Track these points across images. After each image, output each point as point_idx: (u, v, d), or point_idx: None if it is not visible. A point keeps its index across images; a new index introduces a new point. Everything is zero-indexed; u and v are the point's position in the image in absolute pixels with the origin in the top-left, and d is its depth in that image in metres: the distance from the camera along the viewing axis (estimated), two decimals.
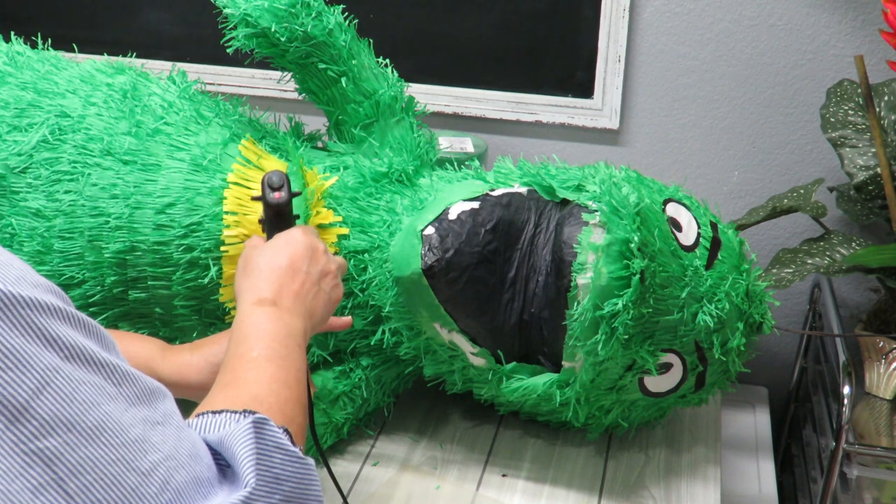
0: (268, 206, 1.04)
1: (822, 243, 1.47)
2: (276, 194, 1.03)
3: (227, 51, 1.26)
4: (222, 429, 0.71)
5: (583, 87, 1.68)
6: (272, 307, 0.93)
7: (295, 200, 1.21)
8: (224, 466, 0.68)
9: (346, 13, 1.30)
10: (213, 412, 0.74)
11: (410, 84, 1.37)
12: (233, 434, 0.69)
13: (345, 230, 1.24)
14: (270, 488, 0.67)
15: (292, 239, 1.01)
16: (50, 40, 1.43)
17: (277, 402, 0.80)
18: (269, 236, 1.04)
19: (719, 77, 1.64)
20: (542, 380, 1.19)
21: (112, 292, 1.23)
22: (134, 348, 1.07)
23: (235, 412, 0.74)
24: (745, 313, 1.22)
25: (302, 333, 0.94)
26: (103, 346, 0.62)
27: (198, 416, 0.75)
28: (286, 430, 0.74)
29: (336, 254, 1.23)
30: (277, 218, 1.04)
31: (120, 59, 1.39)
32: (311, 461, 0.71)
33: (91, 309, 1.24)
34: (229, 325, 1.26)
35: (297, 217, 1.08)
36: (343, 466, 1.27)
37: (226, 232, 1.20)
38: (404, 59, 1.47)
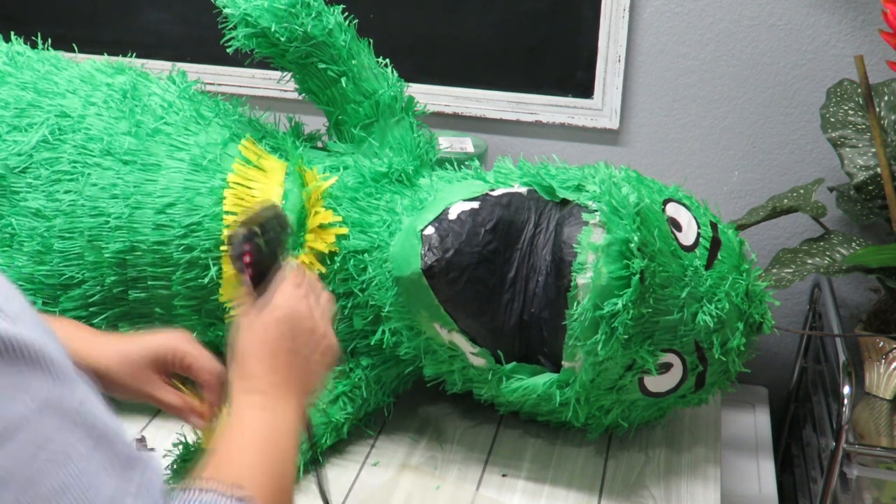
0: (247, 266, 0.92)
1: (822, 243, 1.47)
2: (246, 250, 0.91)
3: (227, 51, 1.26)
4: None
5: (583, 87, 1.68)
6: (260, 396, 0.89)
7: (293, 202, 1.21)
8: None
9: (346, 13, 1.30)
10: (201, 489, 0.74)
11: (410, 84, 1.37)
12: None
13: (344, 230, 1.24)
14: None
15: (275, 318, 0.93)
16: (50, 40, 1.43)
17: (261, 493, 0.79)
18: (256, 286, 0.93)
19: (719, 77, 1.64)
20: (542, 380, 1.19)
21: (112, 292, 1.23)
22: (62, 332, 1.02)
23: (225, 495, 0.73)
24: (745, 313, 1.22)
25: (294, 416, 0.90)
26: (92, 393, 0.59)
27: (186, 490, 0.74)
28: None
29: (335, 254, 1.23)
30: (259, 275, 0.93)
31: (120, 59, 1.39)
32: None
33: (91, 309, 1.24)
34: (229, 325, 1.26)
35: (279, 266, 0.96)
36: (343, 466, 1.27)
37: (226, 232, 1.20)
38: (404, 59, 1.47)
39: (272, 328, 0.92)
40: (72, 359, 0.87)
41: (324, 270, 1.23)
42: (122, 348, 0.99)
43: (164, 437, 1.22)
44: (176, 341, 1.01)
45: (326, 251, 1.23)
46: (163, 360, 1.00)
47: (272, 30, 1.23)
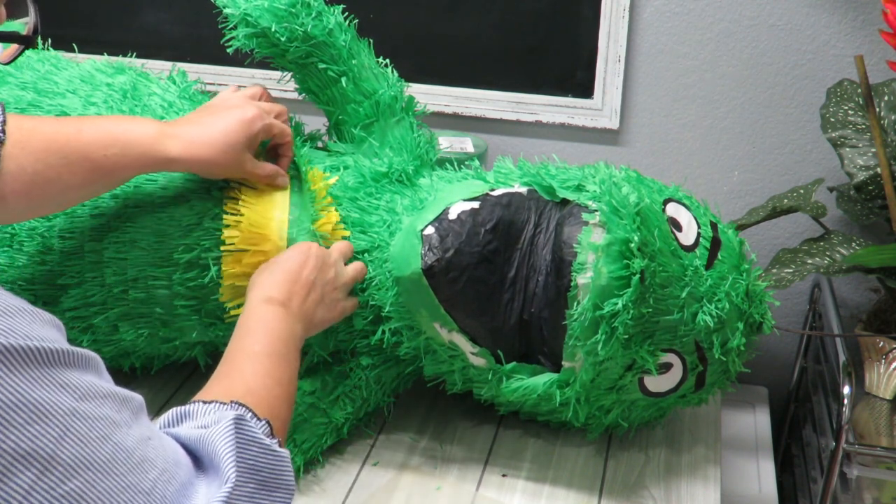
0: None
1: (822, 243, 1.47)
2: None
3: (227, 51, 1.26)
4: (208, 416, 0.79)
5: (583, 87, 1.68)
6: (280, 307, 1.02)
7: (294, 200, 1.21)
8: (195, 458, 0.74)
9: (346, 13, 1.30)
10: (204, 402, 0.82)
11: (410, 84, 1.37)
12: (213, 434, 0.75)
13: (346, 232, 1.24)
14: (247, 477, 0.73)
15: (308, 249, 1.11)
16: (50, 40, 1.43)
17: (268, 397, 0.88)
18: None
19: (719, 77, 1.64)
20: (542, 380, 1.19)
21: (112, 292, 1.23)
22: (129, 133, 1.08)
23: (224, 403, 0.82)
24: (745, 313, 1.22)
25: (301, 338, 1.04)
26: (98, 374, 0.67)
27: (192, 403, 0.82)
28: (268, 423, 0.82)
29: None
30: None
31: (120, 59, 1.39)
32: (284, 452, 0.78)
33: (91, 308, 1.24)
34: (229, 325, 1.26)
35: None
36: (342, 467, 1.27)
37: (226, 232, 1.20)
38: (404, 59, 1.47)
39: (304, 259, 1.10)
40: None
41: None
42: (225, 140, 1.12)
43: None
44: (257, 118, 1.15)
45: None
46: (254, 139, 1.15)
47: (272, 30, 1.23)
